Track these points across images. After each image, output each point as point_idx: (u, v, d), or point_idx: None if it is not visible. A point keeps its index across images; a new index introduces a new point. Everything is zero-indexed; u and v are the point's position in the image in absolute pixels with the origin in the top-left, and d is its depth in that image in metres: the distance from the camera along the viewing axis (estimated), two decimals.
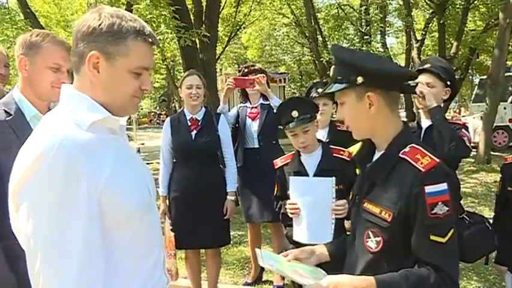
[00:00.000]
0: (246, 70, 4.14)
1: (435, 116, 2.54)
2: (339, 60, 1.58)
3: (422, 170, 1.42)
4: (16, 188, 1.18)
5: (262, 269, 4.35)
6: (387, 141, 1.55)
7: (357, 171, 2.40)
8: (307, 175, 2.57)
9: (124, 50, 1.27)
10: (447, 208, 1.40)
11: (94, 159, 1.20)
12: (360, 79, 1.49)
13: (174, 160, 3.58)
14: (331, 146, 2.70)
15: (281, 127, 2.68)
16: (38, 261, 1.14)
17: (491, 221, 2.69)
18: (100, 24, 1.26)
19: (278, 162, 2.76)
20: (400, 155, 1.49)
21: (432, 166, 1.43)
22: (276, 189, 2.80)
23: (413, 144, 1.51)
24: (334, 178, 2.42)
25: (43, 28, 9.71)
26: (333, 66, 1.62)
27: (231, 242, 5.01)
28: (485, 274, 4.28)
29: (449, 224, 1.42)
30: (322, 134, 3.25)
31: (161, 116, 33.23)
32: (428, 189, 1.40)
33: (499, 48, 10.01)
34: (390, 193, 1.47)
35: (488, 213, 6.40)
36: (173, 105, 34.01)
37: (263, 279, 4.32)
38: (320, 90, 3.30)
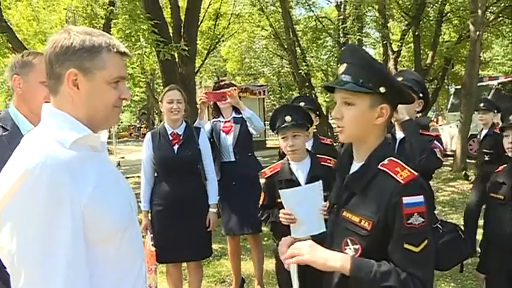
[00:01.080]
0: (217, 85, 4.24)
1: (407, 128, 2.62)
2: (366, 63, 1.57)
3: (402, 182, 1.48)
4: (1, 205, 1.19)
5: (243, 281, 4.38)
6: (368, 152, 1.60)
7: None
8: (299, 183, 2.67)
9: (100, 64, 1.31)
10: (422, 219, 1.46)
11: (77, 177, 1.23)
12: (382, 89, 1.53)
13: (155, 174, 3.61)
14: (317, 155, 2.83)
15: (274, 131, 2.79)
16: (22, 279, 1.16)
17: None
18: (72, 43, 1.29)
19: (267, 171, 2.86)
20: (379, 167, 1.55)
21: (411, 179, 1.49)
22: (262, 198, 2.89)
23: (391, 158, 1.58)
24: (321, 181, 2.44)
25: (20, 42, 9.64)
26: (346, 65, 1.59)
27: (212, 255, 5.04)
28: (461, 280, 4.37)
29: (423, 234, 1.48)
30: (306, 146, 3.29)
31: (141, 129, 33.05)
32: (406, 200, 1.46)
33: (471, 59, 10.29)
34: (370, 203, 1.53)
35: None
36: (152, 118, 33.85)
37: None
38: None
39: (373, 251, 1.51)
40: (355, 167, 1.65)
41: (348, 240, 1.56)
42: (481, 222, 3.72)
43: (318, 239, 1.71)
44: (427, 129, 3.01)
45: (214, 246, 5.57)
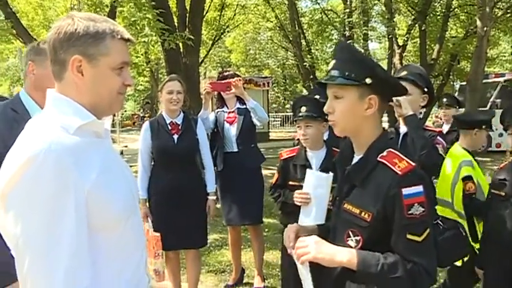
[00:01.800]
0: (220, 76, 4.21)
1: (409, 123, 2.61)
2: (352, 57, 1.61)
3: (399, 173, 1.50)
4: (4, 191, 1.19)
5: (243, 271, 4.40)
6: (367, 144, 1.62)
7: None
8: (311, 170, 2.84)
9: (104, 50, 1.31)
10: (423, 209, 1.48)
11: (81, 163, 1.23)
12: (369, 80, 1.55)
13: (153, 163, 3.62)
14: (333, 148, 2.97)
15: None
16: (27, 262, 1.17)
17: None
18: (76, 29, 1.29)
19: (284, 154, 3.09)
20: (378, 158, 1.57)
21: (408, 170, 1.51)
22: (275, 178, 3.09)
23: (390, 149, 1.59)
24: (332, 174, 2.63)
25: (25, 29, 9.64)
26: (335, 61, 1.64)
27: (212, 245, 5.06)
28: None
29: (424, 224, 1.50)
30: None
31: (144, 119, 33.06)
32: (405, 191, 1.48)
33: (477, 55, 10.23)
34: (370, 195, 1.55)
35: None
36: (156, 108, 33.86)
37: (244, 282, 4.35)
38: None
39: (374, 242, 1.54)
40: (355, 159, 1.67)
41: (350, 232, 1.59)
42: None
43: (322, 233, 1.73)
44: None
45: (215, 236, 5.63)
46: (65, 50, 1.29)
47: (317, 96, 3.34)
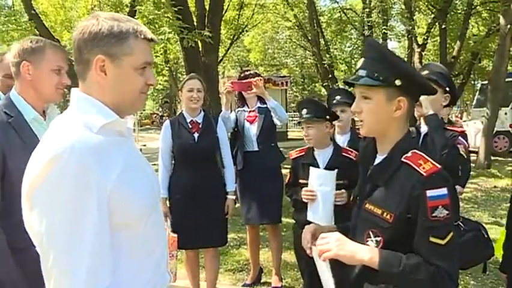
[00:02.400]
0: (242, 75, 4.20)
1: (430, 123, 2.57)
2: (381, 56, 1.57)
3: (424, 174, 1.48)
4: (30, 189, 1.22)
5: (261, 270, 4.40)
6: (391, 144, 1.60)
7: None
8: (318, 167, 2.95)
9: (127, 50, 1.32)
10: (447, 212, 1.46)
11: (104, 162, 1.25)
12: (398, 82, 1.52)
13: (173, 162, 3.64)
14: (342, 147, 3.12)
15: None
16: (51, 259, 1.19)
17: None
18: (100, 29, 1.30)
19: (293, 153, 3.19)
20: (402, 159, 1.55)
21: (433, 171, 1.49)
22: (288, 177, 3.20)
23: (415, 150, 1.57)
24: (336, 170, 2.83)
25: (47, 29, 9.79)
26: (363, 60, 1.61)
27: (230, 244, 5.07)
28: (482, 278, 4.31)
29: (448, 227, 1.48)
30: (342, 140, 3.44)
31: (163, 118, 33.29)
32: (430, 193, 1.46)
33: (499, 53, 10.05)
34: (392, 195, 1.53)
35: (488, 218, 6.43)
36: (174, 107, 34.08)
37: (262, 281, 4.35)
38: (338, 97, 3.47)
39: (395, 243, 1.52)
40: (379, 159, 1.65)
41: (370, 232, 1.57)
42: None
43: (343, 230, 1.72)
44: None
45: (233, 235, 5.64)
46: (89, 50, 1.31)
47: (338, 97, 3.44)
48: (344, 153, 3.00)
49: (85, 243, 1.19)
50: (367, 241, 1.57)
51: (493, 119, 10.26)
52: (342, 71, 20.87)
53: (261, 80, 3.98)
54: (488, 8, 15.42)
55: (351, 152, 3.03)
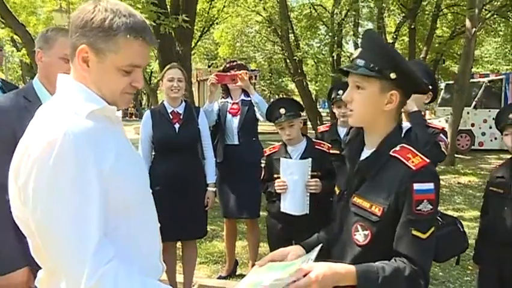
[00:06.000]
0: (228, 66, 4.14)
1: (414, 120, 2.61)
2: (379, 49, 1.57)
3: (413, 168, 1.49)
4: (23, 181, 1.17)
5: (237, 262, 4.40)
6: (379, 138, 1.60)
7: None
8: None
9: (113, 47, 1.26)
10: (431, 207, 1.47)
11: (99, 147, 1.22)
12: (393, 75, 1.52)
13: (153, 153, 3.58)
14: (313, 140, 3.16)
15: (272, 122, 3.07)
16: (57, 247, 1.17)
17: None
18: (92, 18, 1.25)
19: (267, 150, 3.24)
20: (391, 153, 1.56)
21: (422, 165, 1.50)
22: (263, 173, 3.27)
23: (403, 144, 1.58)
24: (310, 159, 2.93)
25: (9, 11, 9.44)
26: (361, 50, 1.60)
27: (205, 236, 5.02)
28: (449, 270, 4.45)
29: (430, 221, 1.49)
30: (343, 130, 3.51)
31: (128, 109, 32.69)
32: (416, 186, 1.47)
33: (465, 55, 10.35)
34: (381, 189, 1.53)
35: (451, 213, 6.64)
36: (140, 98, 33.53)
37: (237, 273, 4.36)
38: (340, 92, 3.47)
39: (383, 237, 1.52)
40: (366, 153, 1.65)
41: (359, 226, 1.57)
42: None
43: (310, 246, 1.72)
44: None
45: (208, 227, 5.57)
46: (77, 36, 1.27)
47: (340, 92, 3.43)
48: (316, 146, 3.08)
49: (89, 220, 1.17)
50: (355, 235, 1.57)
51: (457, 118, 10.58)
52: (310, 66, 21.02)
53: (246, 73, 3.94)
54: (453, 11, 15.86)
55: (324, 144, 3.13)
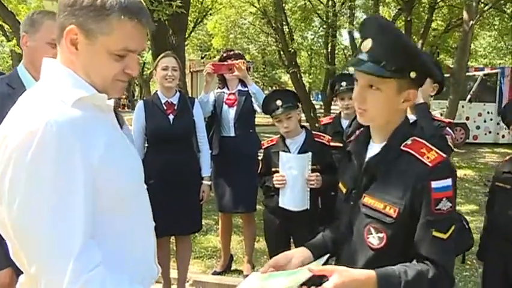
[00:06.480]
0: (224, 55, 3.99)
1: (420, 112, 2.53)
2: (396, 43, 1.39)
3: (429, 164, 1.38)
4: (1, 174, 1.05)
5: (231, 257, 4.30)
6: (388, 132, 1.48)
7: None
8: None
9: (105, 29, 1.14)
10: (450, 204, 1.37)
11: (86, 137, 1.10)
12: (413, 74, 1.39)
13: (146, 145, 3.45)
14: (313, 132, 3.06)
15: (269, 115, 2.97)
16: (36, 249, 1.05)
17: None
18: None
19: (265, 143, 3.14)
20: (402, 147, 1.44)
21: (439, 161, 1.39)
22: (260, 167, 3.16)
23: (414, 137, 1.47)
24: (310, 154, 2.84)
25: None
26: (371, 42, 1.40)
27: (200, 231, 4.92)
28: (459, 270, 4.37)
29: (450, 220, 1.39)
30: (346, 122, 3.43)
31: (121, 100, 32.40)
32: (434, 184, 1.36)
33: (461, 48, 10.27)
34: (394, 187, 1.42)
35: None
36: (133, 89, 33.30)
37: (232, 268, 4.27)
38: (344, 83, 3.40)
39: (399, 239, 1.41)
40: (374, 148, 1.53)
41: (372, 228, 1.45)
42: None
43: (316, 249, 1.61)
44: None
45: (202, 221, 5.48)
46: (66, 15, 1.14)
47: (344, 83, 3.40)
48: (316, 138, 2.97)
49: (74, 228, 1.05)
50: (368, 237, 1.46)
51: (453, 111, 10.51)
52: (303, 57, 20.92)
53: (243, 62, 3.80)
54: (448, 3, 15.78)
55: (324, 136, 3.02)
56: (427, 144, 1.45)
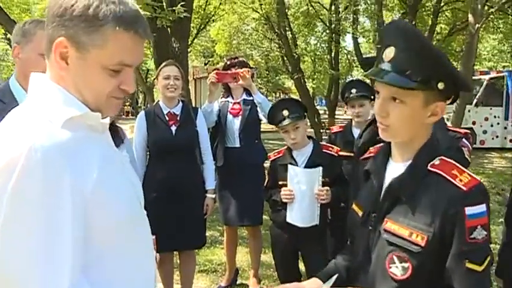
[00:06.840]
0: (228, 63, 3.87)
1: (436, 123, 2.40)
2: (422, 51, 1.26)
3: (464, 188, 1.24)
4: None
5: (237, 271, 4.17)
6: (413, 150, 1.35)
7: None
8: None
9: (99, 41, 1.02)
10: (485, 232, 1.24)
11: (77, 162, 0.98)
12: (441, 85, 1.26)
13: (148, 157, 3.34)
14: (321, 143, 2.96)
15: (275, 125, 2.84)
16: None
17: None
18: (73, 5, 1.01)
19: (272, 155, 3.03)
20: (429, 167, 1.31)
21: (474, 185, 1.25)
22: (267, 180, 3.05)
23: (442, 157, 1.33)
24: (321, 168, 2.72)
25: (1, 8, 9.16)
26: (394, 50, 1.28)
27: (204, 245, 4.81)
28: None
29: (485, 250, 1.26)
30: (357, 131, 3.28)
31: (124, 108, 32.40)
32: (469, 210, 1.22)
33: (467, 51, 10.14)
34: (421, 212, 1.28)
35: None
36: (136, 97, 33.29)
37: (238, 283, 4.13)
38: (354, 90, 3.26)
39: (426, 269, 1.28)
40: (395, 167, 1.39)
41: (395, 257, 1.31)
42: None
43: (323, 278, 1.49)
44: None
45: (207, 234, 5.36)
46: (54, 26, 1.03)
47: (354, 90, 3.26)
48: (324, 150, 2.87)
49: (59, 268, 0.94)
50: (390, 267, 1.31)
51: (460, 116, 10.38)
52: (307, 63, 20.83)
53: (248, 71, 3.67)
54: (452, 7, 15.68)
55: (332, 148, 2.91)
56: (458, 165, 1.32)
